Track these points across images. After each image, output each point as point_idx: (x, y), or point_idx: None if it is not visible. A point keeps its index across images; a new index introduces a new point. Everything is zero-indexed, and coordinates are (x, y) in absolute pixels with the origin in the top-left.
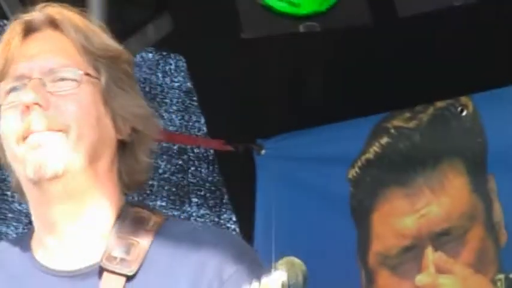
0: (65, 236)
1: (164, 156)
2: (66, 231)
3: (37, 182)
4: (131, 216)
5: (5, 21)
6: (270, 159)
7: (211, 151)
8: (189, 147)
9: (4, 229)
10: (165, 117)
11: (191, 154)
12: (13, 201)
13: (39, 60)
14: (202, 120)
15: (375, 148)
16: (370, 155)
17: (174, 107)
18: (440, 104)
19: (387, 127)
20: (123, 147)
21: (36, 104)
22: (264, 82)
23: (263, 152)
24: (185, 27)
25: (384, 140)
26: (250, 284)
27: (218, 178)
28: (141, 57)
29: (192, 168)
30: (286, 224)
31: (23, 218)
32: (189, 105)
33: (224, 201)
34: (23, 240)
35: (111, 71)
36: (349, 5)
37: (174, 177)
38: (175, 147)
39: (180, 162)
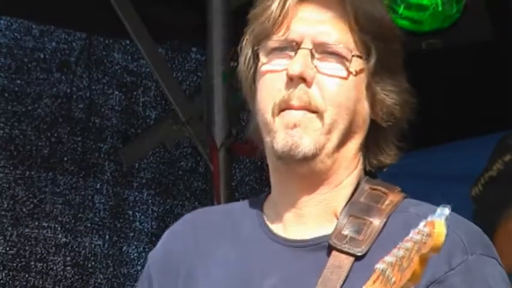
0: (302, 206)
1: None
2: (304, 202)
3: (284, 159)
4: (366, 193)
5: (127, 42)
6: (391, 177)
7: None
8: None
9: (125, 247)
10: None
11: None
12: (134, 221)
13: (313, 28)
14: None
15: (498, 165)
16: (493, 172)
17: None
18: None
19: (510, 144)
20: (375, 127)
21: (301, 78)
22: None
23: (384, 169)
24: None
25: (507, 157)
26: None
27: None
28: None
29: None
30: None
31: (143, 237)
32: None
33: None
34: (257, 203)
35: (381, 51)
36: (471, 21)
37: None
38: None
39: None
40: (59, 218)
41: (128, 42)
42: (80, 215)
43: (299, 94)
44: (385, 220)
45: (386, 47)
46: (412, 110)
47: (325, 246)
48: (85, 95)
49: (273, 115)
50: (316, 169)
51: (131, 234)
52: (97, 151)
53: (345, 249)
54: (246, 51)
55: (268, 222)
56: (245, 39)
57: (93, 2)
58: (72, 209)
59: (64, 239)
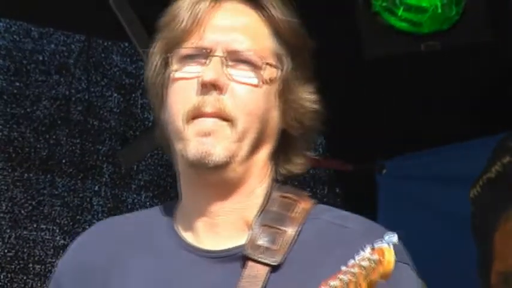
0: (214, 216)
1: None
2: (216, 211)
3: (196, 168)
4: (277, 202)
5: (126, 44)
6: (390, 179)
7: (327, 172)
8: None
9: None
10: None
11: (307, 175)
12: None
13: (225, 36)
14: (318, 141)
15: (497, 167)
16: (491, 174)
17: None
18: None
19: (509, 146)
20: (285, 137)
21: (214, 85)
22: (383, 102)
23: (384, 171)
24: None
25: (506, 159)
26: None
27: (334, 199)
28: None
29: (308, 189)
30: (408, 243)
31: None
32: None
33: None
34: (169, 211)
35: (293, 59)
36: (470, 23)
37: None
38: None
39: (296, 183)
40: (57, 220)
41: (126, 44)
42: (78, 217)
43: (212, 101)
44: (298, 229)
45: (299, 56)
46: (322, 120)
47: (240, 257)
48: (83, 97)
49: (185, 122)
50: (228, 178)
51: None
52: (95, 153)
53: (261, 260)
54: (155, 58)
55: (181, 231)
56: (155, 46)
57: (92, 4)
58: (70, 211)
59: (62, 241)
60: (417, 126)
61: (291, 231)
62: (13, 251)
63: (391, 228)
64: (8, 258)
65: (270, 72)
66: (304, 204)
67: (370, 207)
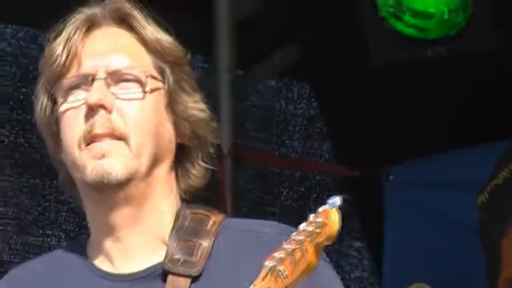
0: (125, 239)
1: (286, 183)
2: (126, 234)
3: (98, 189)
4: (189, 218)
5: None
6: (397, 185)
7: (333, 178)
8: (311, 174)
9: None
10: (288, 144)
11: (313, 181)
12: None
13: (104, 59)
14: (325, 147)
15: (504, 173)
16: (499, 180)
17: (297, 134)
18: None
19: None
20: (181, 150)
21: (101, 105)
22: (390, 108)
23: (391, 177)
24: (312, 54)
25: None
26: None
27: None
28: (263, 84)
29: (314, 195)
30: (415, 250)
31: None
32: (312, 132)
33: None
34: (80, 245)
35: (175, 72)
36: (477, 29)
37: (295, 205)
38: (297, 174)
39: (302, 189)
40: (64, 226)
41: None
42: (84, 222)
43: (101, 121)
44: (213, 239)
45: (179, 68)
46: (215, 131)
47: (160, 274)
48: None
49: (79, 149)
50: (131, 195)
51: None
52: None
53: (181, 272)
54: (41, 99)
55: (96, 262)
56: (38, 88)
57: None
58: (76, 217)
59: None
60: (424, 132)
61: (206, 243)
62: (19, 256)
63: (399, 234)
64: (15, 264)
65: (153, 84)
66: (215, 218)
67: (377, 213)
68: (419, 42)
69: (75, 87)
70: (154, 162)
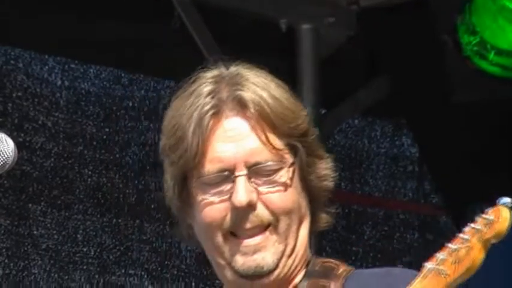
0: None
1: (370, 222)
2: None
3: (250, 278)
4: (319, 265)
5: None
6: None
7: (417, 217)
8: (394, 213)
9: None
10: (371, 183)
11: (397, 220)
12: None
13: (241, 147)
14: (408, 186)
15: None
16: None
17: (380, 173)
18: None
19: None
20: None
21: (249, 206)
22: (477, 147)
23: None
24: (397, 93)
25: None
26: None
27: (424, 245)
28: (347, 123)
29: (398, 234)
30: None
31: None
32: (395, 171)
33: None
34: None
35: (305, 145)
36: None
37: (379, 244)
38: (380, 213)
39: (386, 228)
40: (146, 266)
41: None
42: (166, 262)
43: (249, 217)
44: (343, 282)
45: (309, 138)
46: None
47: None
48: None
49: (224, 238)
50: (280, 274)
51: (217, 282)
52: None
53: None
54: (171, 183)
55: None
56: (167, 170)
57: (182, 50)
58: (158, 256)
59: (151, 287)
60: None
61: (336, 285)
62: None
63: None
64: None
65: (290, 169)
66: (344, 267)
67: None
68: (504, 81)
69: (215, 184)
70: (298, 233)
